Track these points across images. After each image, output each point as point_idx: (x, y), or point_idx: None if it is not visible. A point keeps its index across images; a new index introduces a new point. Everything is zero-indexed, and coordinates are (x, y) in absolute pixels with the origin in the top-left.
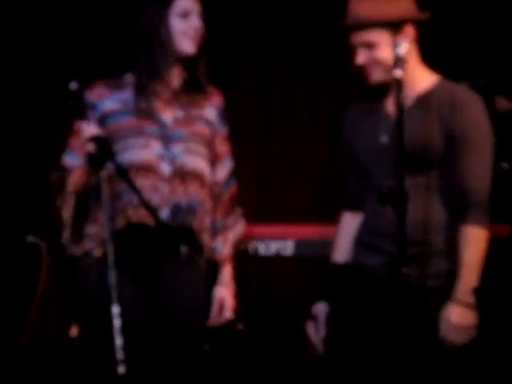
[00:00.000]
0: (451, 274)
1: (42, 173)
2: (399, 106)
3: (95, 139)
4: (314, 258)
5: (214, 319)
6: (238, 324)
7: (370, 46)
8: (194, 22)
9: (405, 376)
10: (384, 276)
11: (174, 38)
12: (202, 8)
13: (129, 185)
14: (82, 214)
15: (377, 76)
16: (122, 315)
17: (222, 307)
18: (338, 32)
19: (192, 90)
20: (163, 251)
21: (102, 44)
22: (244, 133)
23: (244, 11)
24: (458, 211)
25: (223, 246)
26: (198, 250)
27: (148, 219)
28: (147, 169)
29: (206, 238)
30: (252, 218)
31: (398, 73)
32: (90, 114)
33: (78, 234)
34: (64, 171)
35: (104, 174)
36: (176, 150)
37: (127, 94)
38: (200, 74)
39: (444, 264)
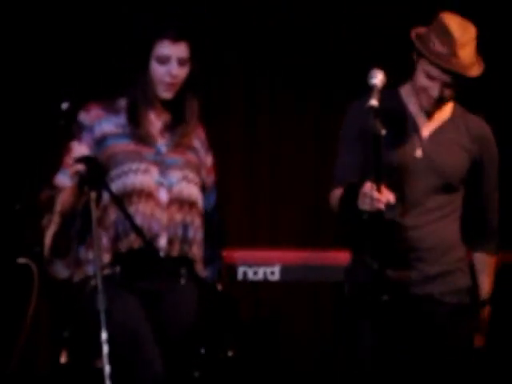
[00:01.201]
0: (471, 291)
1: (33, 194)
2: (376, 134)
3: (85, 159)
4: (300, 283)
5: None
6: (228, 351)
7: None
8: (171, 69)
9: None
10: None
11: (152, 82)
12: (190, 51)
13: (122, 212)
14: (68, 235)
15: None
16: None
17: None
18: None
19: (184, 125)
20: (162, 279)
21: (98, 67)
22: (231, 159)
23: (244, 11)
24: (476, 237)
25: (211, 276)
26: (193, 279)
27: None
28: (148, 195)
29: (199, 267)
30: (240, 243)
31: (373, 102)
32: (87, 135)
33: (61, 255)
34: (55, 190)
35: (93, 194)
36: (173, 178)
37: (122, 119)
38: (188, 113)
39: (465, 280)
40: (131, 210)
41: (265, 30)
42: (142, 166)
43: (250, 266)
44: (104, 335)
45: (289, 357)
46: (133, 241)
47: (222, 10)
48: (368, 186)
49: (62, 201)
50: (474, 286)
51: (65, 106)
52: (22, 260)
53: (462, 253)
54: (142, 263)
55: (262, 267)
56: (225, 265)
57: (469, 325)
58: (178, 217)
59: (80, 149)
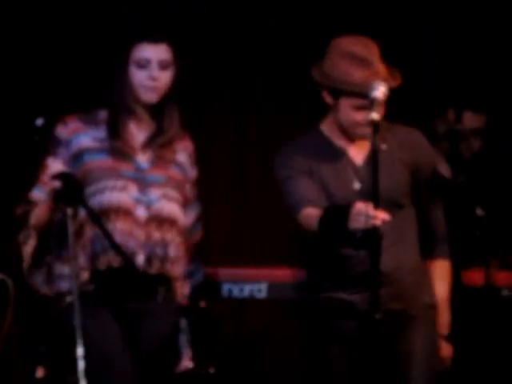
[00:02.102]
0: (431, 308)
1: (7, 208)
2: (375, 148)
3: (61, 176)
4: (286, 300)
5: (178, 367)
6: (209, 367)
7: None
8: (152, 73)
9: None
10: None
11: (133, 87)
12: (173, 54)
13: (100, 229)
14: (45, 249)
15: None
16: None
17: (181, 355)
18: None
19: (163, 135)
20: (140, 296)
21: (74, 82)
22: (219, 175)
23: (244, 11)
24: (427, 246)
25: (188, 293)
26: (172, 298)
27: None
28: (125, 212)
29: (179, 285)
30: (226, 260)
31: (374, 115)
32: (63, 150)
33: (40, 271)
34: (30, 205)
35: (69, 211)
36: (153, 195)
37: (102, 132)
38: (166, 121)
39: (425, 298)
40: (109, 227)
41: (265, 31)
42: (119, 184)
43: (235, 283)
44: (80, 351)
45: (275, 375)
46: (111, 259)
47: (222, 10)
48: (361, 205)
49: (37, 215)
50: None
51: (39, 122)
52: None
53: (423, 271)
54: (120, 282)
55: (249, 284)
56: (209, 280)
57: (432, 335)
58: (157, 235)
59: (56, 165)
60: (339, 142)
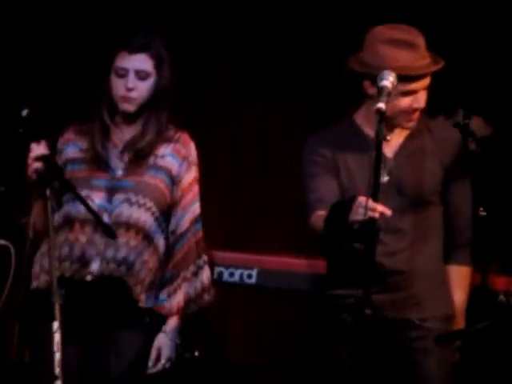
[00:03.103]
0: (448, 319)
1: (12, 178)
2: (380, 137)
3: (42, 158)
4: (276, 288)
5: (150, 367)
6: (194, 351)
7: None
8: (127, 83)
9: None
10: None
11: (114, 96)
12: (155, 63)
13: (76, 197)
14: None
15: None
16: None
17: (158, 355)
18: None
19: (139, 141)
20: (101, 305)
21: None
22: (214, 159)
23: (244, 11)
24: (447, 248)
25: (169, 299)
26: (131, 303)
27: (80, 274)
28: (83, 222)
29: (139, 290)
30: (217, 244)
31: (381, 105)
32: (58, 158)
33: None
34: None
35: (48, 192)
36: (116, 201)
37: (87, 143)
38: (143, 128)
39: (446, 307)
40: (70, 238)
41: (265, 31)
42: (83, 193)
43: (226, 267)
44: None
45: (261, 360)
46: (65, 268)
47: (222, 10)
48: (362, 198)
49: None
50: None
51: (24, 112)
52: (0, 241)
53: (443, 276)
54: (74, 290)
55: (239, 269)
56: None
57: (446, 351)
58: (117, 240)
59: (38, 149)
60: (371, 133)
